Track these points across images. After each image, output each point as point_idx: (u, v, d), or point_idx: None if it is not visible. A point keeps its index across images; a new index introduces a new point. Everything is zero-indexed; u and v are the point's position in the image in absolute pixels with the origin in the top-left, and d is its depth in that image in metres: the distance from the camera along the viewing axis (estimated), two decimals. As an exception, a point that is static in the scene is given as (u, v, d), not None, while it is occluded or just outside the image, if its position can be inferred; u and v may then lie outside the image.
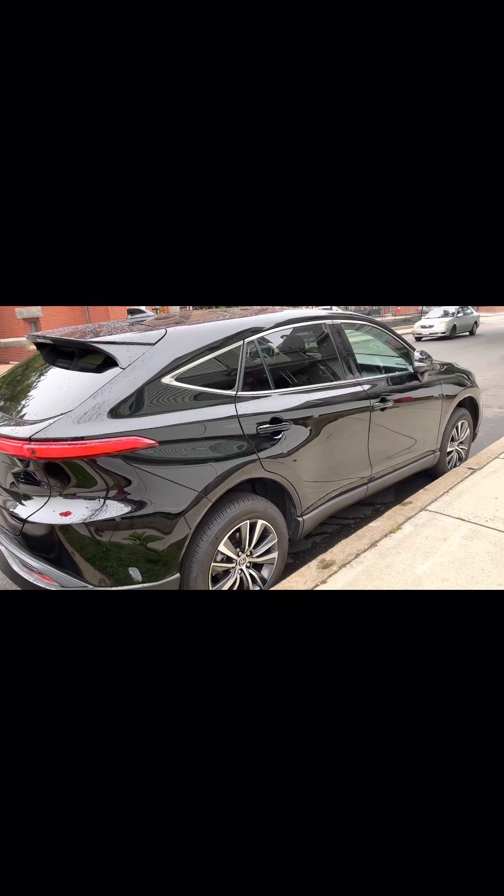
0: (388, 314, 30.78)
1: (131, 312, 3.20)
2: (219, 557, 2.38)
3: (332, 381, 3.01)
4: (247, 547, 2.53)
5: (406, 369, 3.59)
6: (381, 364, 3.62)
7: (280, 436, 2.54)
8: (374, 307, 29.37)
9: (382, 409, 3.21)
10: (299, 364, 3.12)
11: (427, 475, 4.06)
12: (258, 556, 2.61)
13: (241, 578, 2.54)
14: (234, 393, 2.41)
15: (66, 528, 1.96)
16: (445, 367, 4.05)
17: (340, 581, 2.59)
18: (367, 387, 3.15)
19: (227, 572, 2.47)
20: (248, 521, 2.47)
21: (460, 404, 4.11)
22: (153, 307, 17.36)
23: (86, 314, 21.33)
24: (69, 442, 1.89)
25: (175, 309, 19.86)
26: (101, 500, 1.98)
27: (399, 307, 31.98)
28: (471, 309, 19.61)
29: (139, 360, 2.13)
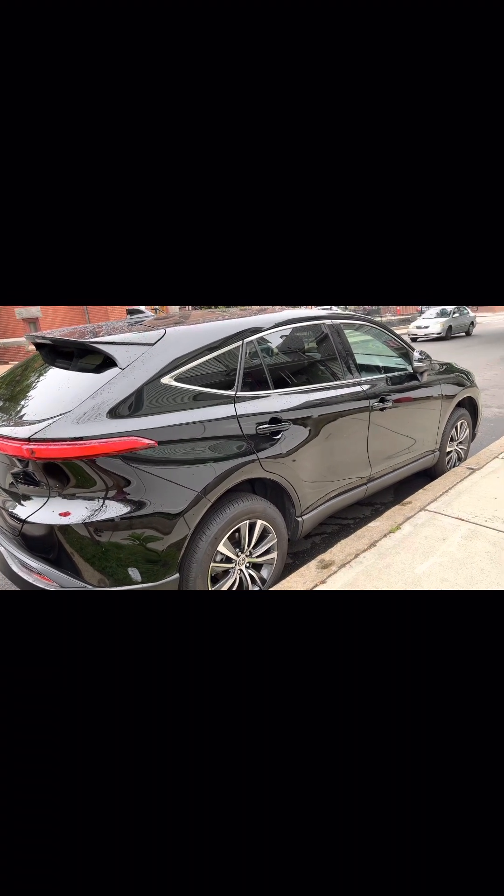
0: (388, 314, 30.81)
1: (130, 313, 3.20)
2: (218, 558, 2.38)
3: (331, 381, 3.02)
4: (246, 547, 2.53)
5: (405, 369, 3.59)
6: (381, 364, 3.62)
7: (279, 436, 2.54)
8: (374, 307, 29.39)
9: (382, 410, 3.22)
10: (298, 364, 3.12)
11: (426, 475, 4.06)
12: (257, 557, 2.61)
13: (240, 578, 2.54)
14: (234, 393, 2.41)
15: (65, 529, 1.96)
16: (445, 367, 4.06)
17: (340, 581, 2.59)
18: (366, 387, 3.15)
19: (226, 572, 2.47)
20: (247, 522, 2.47)
21: (460, 404, 4.12)
22: (152, 307, 17.35)
23: (85, 314, 21.32)
24: (68, 442, 1.89)
25: (174, 309, 19.86)
26: (101, 501, 1.98)
27: (398, 307, 32.01)
28: (467, 309, 19.43)
29: (138, 360, 2.13)
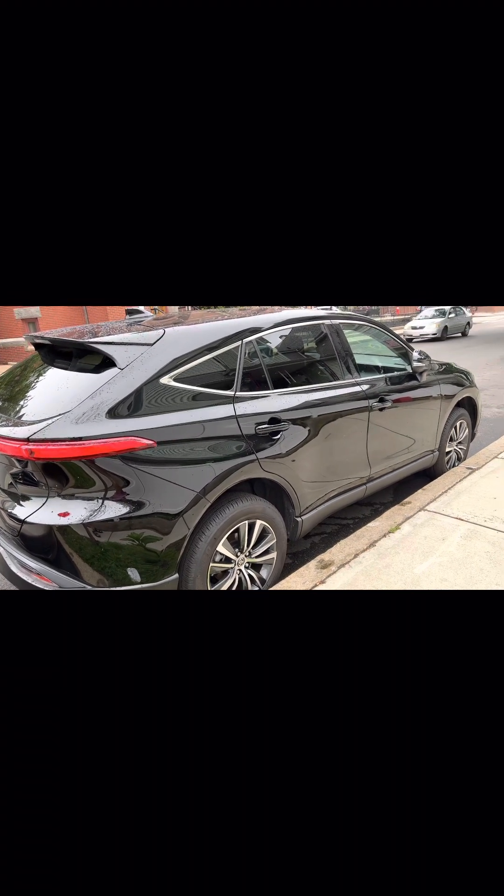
0: (387, 314, 30.83)
1: (129, 313, 3.20)
2: (217, 558, 2.38)
3: (330, 381, 3.02)
4: (245, 547, 2.53)
5: (405, 369, 3.59)
6: (380, 364, 3.62)
7: (279, 436, 2.54)
8: (373, 307, 29.40)
9: (381, 410, 3.22)
10: (298, 364, 3.12)
11: (426, 475, 4.07)
12: (257, 557, 2.61)
13: (239, 579, 2.54)
14: (233, 393, 2.41)
15: (64, 529, 1.96)
16: (444, 367, 4.06)
17: (339, 581, 2.59)
18: (365, 387, 3.15)
19: (225, 573, 2.47)
20: (246, 522, 2.47)
21: (459, 404, 4.12)
22: (151, 307, 17.36)
23: (84, 314, 21.32)
24: (67, 442, 1.89)
25: (174, 309, 19.86)
26: (100, 501, 1.98)
27: (398, 307, 32.03)
28: (464, 310, 19.11)
29: (137, 360, 2.13)
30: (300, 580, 2.62)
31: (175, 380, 2.20)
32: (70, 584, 2.01)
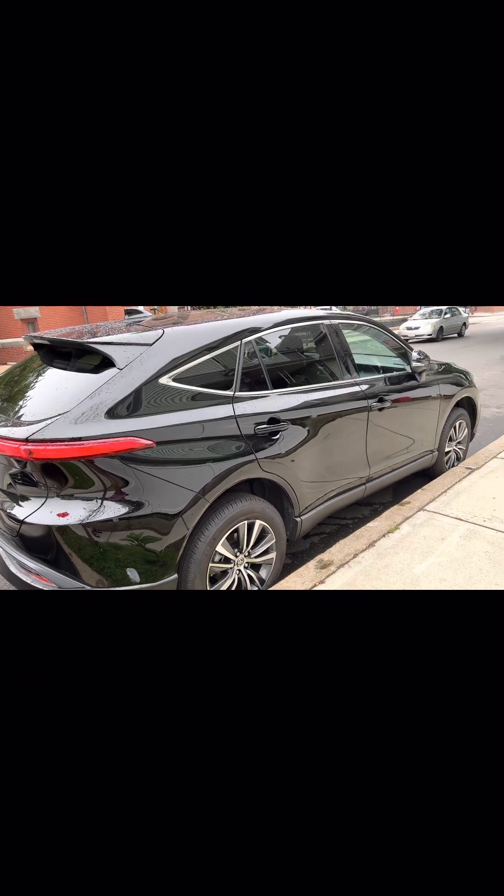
0: (386, 314, 30.84)
1: (129, 313, 3.20)
2: (217, 558, 2.38)
3: (329, 381, 3.02)
4: (245, 547, 2.53)
5: (404, 369, 3.60)
6: (379, 364, 3.63)
7: (278, 436, 2.54)
8: (373, 307, 29.42)
9: (380, 410, 3.22)
10: (297, 364, 3.12)
11: (425, 475, 4.07)
12: (256, 557, 2.61)
13: (239, 579, 2.54)
14: (232, 393, 2.41)
15: (63, 529, 1.96)
16: (443, 367, 4.06)
17: (338, 581, 2.59)
18: (364, 387, 3.15)
19: (225, 573, 2.47)
20: (245, 522, 2.47)
21: (458, 404, 4.12)
22: (151, 307, 17.35)
23: (83, 314, 21.31)
24: (66, 442, 1.89)
25: (173, 309, 19.85)
26: (99, 501, 1.98)
27: (397, 307, 32.04)
28: (460, 310, 18.78)
29: (136, 360, 2.13)
30: (299, 580, 2.62)
31: (174, 380, 2.20)
32: (69, 584, 2.01)
